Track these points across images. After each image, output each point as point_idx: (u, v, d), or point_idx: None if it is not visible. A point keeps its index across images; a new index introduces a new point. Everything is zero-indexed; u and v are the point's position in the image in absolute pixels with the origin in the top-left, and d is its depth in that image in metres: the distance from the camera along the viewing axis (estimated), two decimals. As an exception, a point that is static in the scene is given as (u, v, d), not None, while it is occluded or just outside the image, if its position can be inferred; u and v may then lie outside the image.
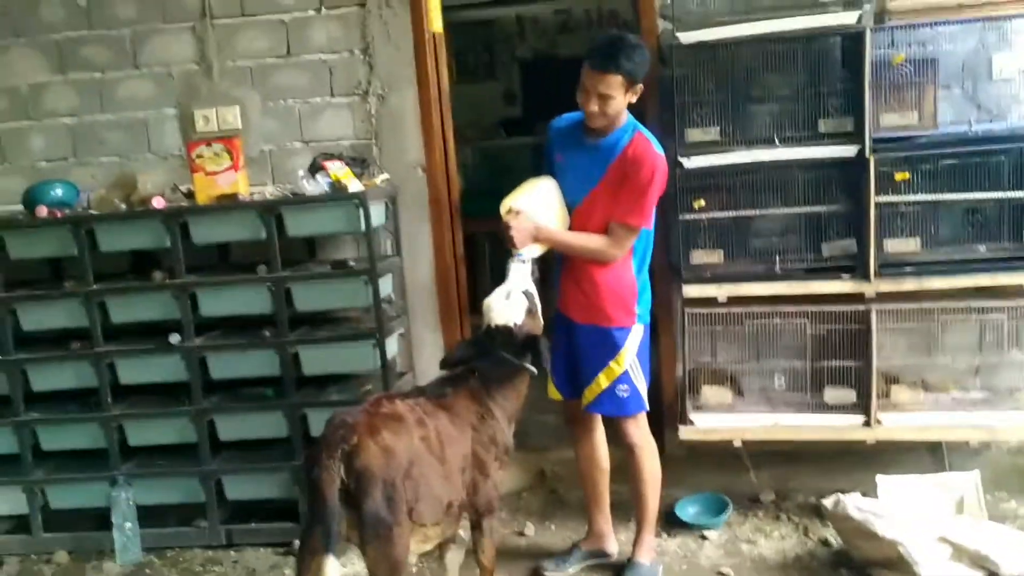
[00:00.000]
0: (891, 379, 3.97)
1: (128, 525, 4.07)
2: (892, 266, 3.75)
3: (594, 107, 3.26)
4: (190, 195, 4.13)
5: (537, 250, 3.40)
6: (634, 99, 3.31)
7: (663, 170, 3.34)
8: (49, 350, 4.19)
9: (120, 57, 4.41)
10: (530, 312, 3.22)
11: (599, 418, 3.68)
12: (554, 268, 3.61)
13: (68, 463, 4.28)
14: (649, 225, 3.42)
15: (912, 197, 3.75)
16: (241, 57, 4.36)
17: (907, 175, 3.70)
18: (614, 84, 3.20)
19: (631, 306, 3.45)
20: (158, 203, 4.02)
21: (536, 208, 3.40)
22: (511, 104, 8.85)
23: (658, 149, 3.34)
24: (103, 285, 4.08)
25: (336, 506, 2.55)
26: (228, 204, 3.99)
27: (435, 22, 4.37)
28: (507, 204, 3.40)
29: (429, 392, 3.11)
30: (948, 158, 3.70)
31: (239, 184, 4.01)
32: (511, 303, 3.19)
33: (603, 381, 3.46)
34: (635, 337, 3.47)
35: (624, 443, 3.56)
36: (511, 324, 3.16)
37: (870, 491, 3.63)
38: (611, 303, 3.43)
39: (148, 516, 4.16)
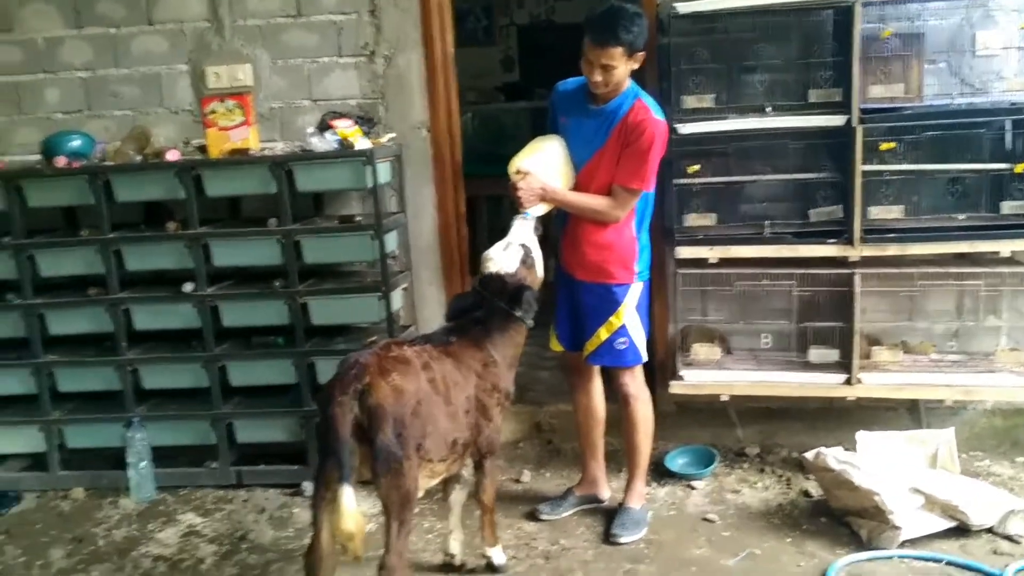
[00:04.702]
0: (873, 340, 4.15)
1: (142, 464, 4.26)
2: (876, 232, 3.90)
3: (598, 77, 3.41)
4: (203, 149, 4.27)
5: (542, 208, 3.56)
6: (636, 66, 3.46)
7: (663, 135, 3.49)
8: (66, 296, 4.35)
9: (134, 13, 4.51)
10: (526, 264, 3.38)
11: (597, 370, 3.86)
12: (556, 227, 3.77)
13: (85, 404, 4.45)
14: (651, 188, 3.58)
15: (896, 166, 3.90)
16: (252, 16, 4.47)
17: (892, 145, 3.85)
18: (615, 55, 3.34)
19: (631, 264, 3.62)
20: (172, 156, 4.17)
21: (543, 168, 3.55)
22: (509, 69, 8.97)
23: (658, 115, 3.48)
24: (119, 234, 4.24)
25: (349, 440, 2.73)
26: (240, 158, 4.13)
27: (442, -15, 4.49)
28: (515, 164, 3.55)
29: (435, 340, 3.27)
30: (932, 130, 3.85)
31: (251, 140, 4.16)
32: (507, 254, 3.36)
33: (603, 334, 3.64)
34: (634, 293, 3.65)
35: (621, 393, 3.75)
36: (503, 272, 3.33)
37: (850, 447, 3.81)
38: (612, 261, 3.60)
39: (161, 456, 4.35)
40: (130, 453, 4.25)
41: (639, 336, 3.70)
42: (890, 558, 3.41)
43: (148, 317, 4.31)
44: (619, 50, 3.34)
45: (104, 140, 4.44)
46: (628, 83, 3.52)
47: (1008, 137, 3.91)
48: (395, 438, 2.79)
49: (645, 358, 3.76)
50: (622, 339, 3.65)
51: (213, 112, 4.11)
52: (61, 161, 4.19)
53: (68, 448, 4.46)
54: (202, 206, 4.19)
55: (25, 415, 4.44)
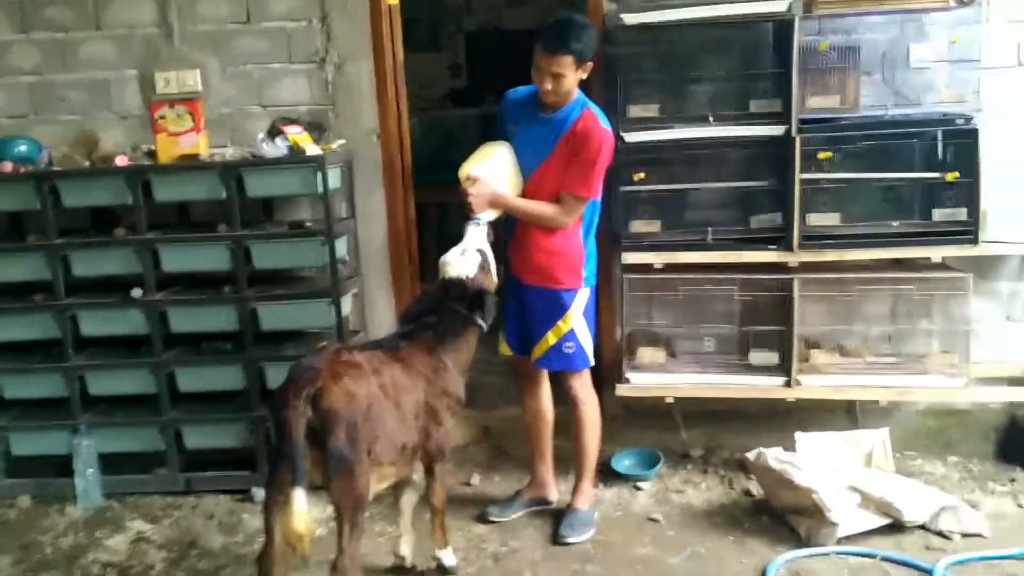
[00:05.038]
0: (811, 344, 4.28)
1: (89, 471, 4.24)
2: (814, 238, 4.02)
3: (548, 86, 3.50)
4: (152, 154, 4.26)
5: (493, 214, 3.63)
6: (584, 75, 3.55)
7: (610, 144, 3.58)
8: (12, 302, 4.31)
9: (83, 18, 4.48)
10: (483, 269, 3.45)
11: (545, 374, 3.94)
12: (505, 232, 3.83)
13: (31, 411, 4.42)
14: (597, 196, 3.67)
15: (833, 175, 4.02)
16: (202, 22, 4.47)
17: (830, 154, 3.97)
18: (565, 63, 3.44)
19: (578, 270, 3.70)
20: (121, 161, 4.16)
21: (493, 174, 3.62)
22: (457, 76, 8.96)
23: (605, 124, 3.58)
24: (66, 240, 4.22)
25: (303, 443, 2.77)
26: (190, 164, 4.14)
27: (391, -5, 4.55)
28: (465, 170, 3.61)
29: (385, 345, 3.32)
30: (867, 140, 3.97)
31: (200, 145, 4.17)
32: (465, 259, 3.43)
33: (551, 338, 3.72)
34: (581, 299, 3.73)
35: (569, 397, 3.83)
36: (463, 277, 3.39)
37: (790, 447, 3.91)
38: (560, 267, 3.68)
39: (109, 463, 4.32)
40: (77, 460, 4.23)
41: (586, 340, 3.77)
42: (828, 554, 3.52)
43: (95, 323, 4.29)
44: (569, 59, 3.43)
45: (51, 145, 4.41)
46: (576, 93, 3.61)
47: (940, 147, 4.03)
48: (347, 442, 2.83)
49: (592, 362, 3.83)
50: (569, 343, 3.73)
51: (163, 117, 4.11)
52: (7, 166, 4.16)
53: (13, 456, 4.42)
54: (151, 211, 4.19)
55: (-31, 422, 4.39)
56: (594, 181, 3.59)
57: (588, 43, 3.47)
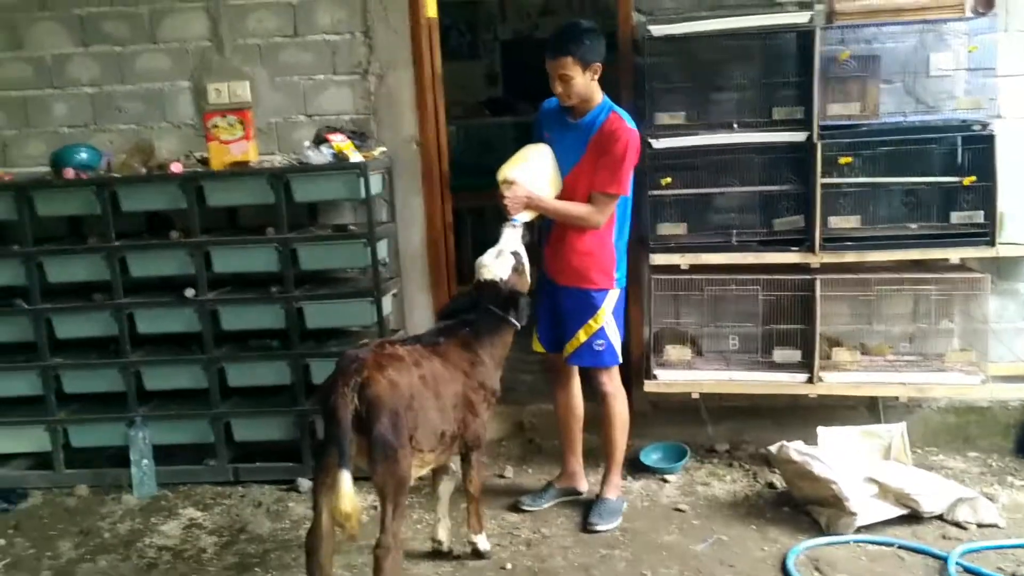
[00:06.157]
0: (833, 342, 4.41)
1: (145, 462, 4.47)
2: (835, 240, 4.17)
3: (559, 89, 3.72)
4: (203, 162, 4.51)
5: (529, 215, 3.81)
6: (594, 77, 3.73)
7: (636, 142, 3.76)
8: (72, 301, 4.55)
9: (139, 32, 4.75)
10: (516, 270, 3.63)
11: (576, 370, 4.11)
12: (541, 235, 4.01)
13: (89, 405, 4.66)
14: (626, 192, 3.81)
15: (854, 179, 4.17)
16: (251, 36, 4.72)
17: (850, 159, 4.12)
18: (567, 64, 3.64)
19: (611, 271, 3.88)
20: (176, 168, 4.40)
21: (530, 177, 3.79)
22: (492, 84, 9.10)
23: (631, 124, 3.76)
24: (124, 242, 4.46)
25: (349, 429, 2.96)
26: (241, 171, 4.38)
27: (431, 8, 4.75)
28: (503, 174, 3.79)
29: (425, 340, 3.51)
30: (886, 145, 4.12)
31: (250, 153, 4.41)
32: (500, 261, 3.61)
33: (582, 336, 3.90)
34: (612, 299, 3.90)
35: (599, 392, 4.00)
36: (497, 279, 3.57)
37: (812, 442, 4.05)
38: (593, 267, 3.85)
39: (162, 455, 4.56)
40: (133, 451, 4.46)
41: (616, 339, 3.94)
42: (847, 543, 3.67)
43: (151, 321, 4.52)
44: (569, 59, 3.64)
45: (110, 153, 4.66)
46: (601, 97, 3.80)
47: (958, 152, 4.17)
48: (391, 428, 3.02)
49: (621, 360, 4.00)
50: (600, 341, 3.90)
51: (215, 126, 4.35)
52: (69, 173, 4.42)
53: (73, 447, 4.65)
54: (203, 216, 4.41)
55: (31, 415, 4.63)
56: (623, 178, 3.75)
57: (589, 45, 3.66)
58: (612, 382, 4.00)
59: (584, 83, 3.71)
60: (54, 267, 4.50)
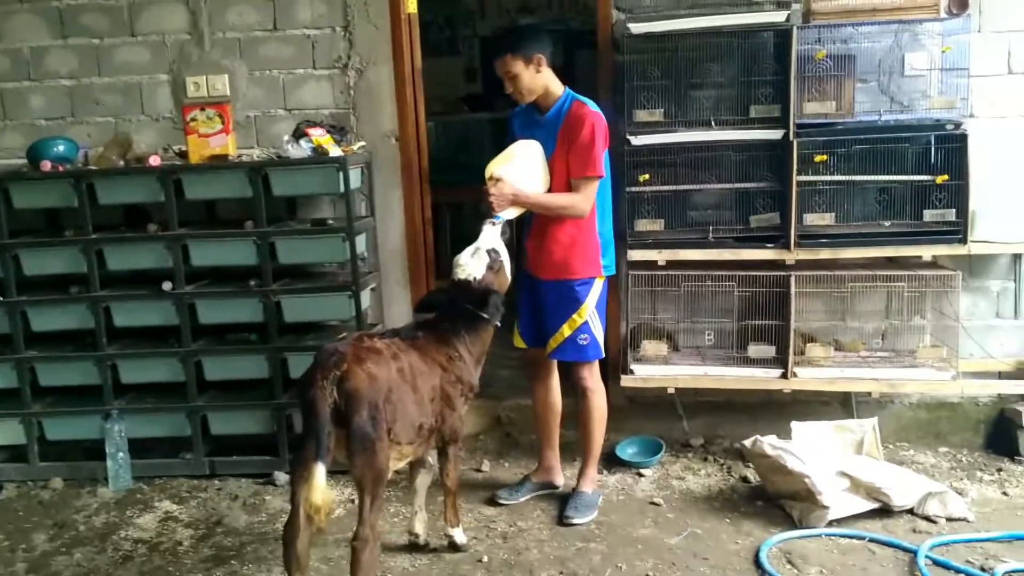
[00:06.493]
0: (807, 338, 4.46)
1: (120, 455, 4.46)
2: (810, 237, 4.22)
3: (510, 88, 3.82)
4: (182, 155, 4.50)
5: (514, 212, 3.82)
6: (539, 69, 3.79)
7: (603, 123, 3.79)
8: (49, 294, 4.53)
9: (118, 25, 4.73)
10: (492, 268, 3.61)
11: (556, 365, 4.14)
12: (523, 230, 4.03)
13: (65, 398, 4.65)
14: (602, 172, 3.82)
15: (829, 177, 4.22)
16: (230, 29, 4.71)
17: (825, 157, 4.17)
18: (508, 63, 3.75)
19: (596, 259, 3.90)
20: (155, 161, 4.39)
21: (518, 174, 3.80)
22: (472, 80, 9.07)
23: (593, 107, 3.81)
24: (102, 235, 4.45)
25: (328, 421, 2.97)
26: (220, 164, 4.37)
27: (411, 4, 4.76)
28: (491, 171, 3.80)
29: (403, 334, 3.53)
30: (861, 143, 4.18)
31: (229, 146, 4.40)
32: (474, 260, 3.61)
33: (566, 331, 3.91)
34: (595, 291, 3.93)
35: (579, 386, 4.01)
36: (470, 278, 3.58)
37: (786, 437, 4.09)
38: (576, 257, 3.87)
39: (138, 448, 4.55)
40: (108, 444, 4.45)
41: (599, 332, 3.96)
42: (819, 536, 3.71)
43: (127, 314, 4.50)
44: (508, 57, 3.74)
45: (87, 145, 4.65)
46: (562, 90, 3.87)
47: (931, 151, 4.23)
48: (369, 420, 3.03)
49: (603, 354, 4.02)
50: (584, 335, 3.92)
51: (194, 120, 4.34)
52: (46, 165, 4.40)
53: (48, 440, 4.63)
54: (181, 209, 4.40)
55: (6, 408, 4.61)
56: (596, 159, 3.77)
57: (525, 41, 3.75)
58: (593, 377, 4.02)
59: (530, 76, 3.77)
60: (30, 260, 4.47)
